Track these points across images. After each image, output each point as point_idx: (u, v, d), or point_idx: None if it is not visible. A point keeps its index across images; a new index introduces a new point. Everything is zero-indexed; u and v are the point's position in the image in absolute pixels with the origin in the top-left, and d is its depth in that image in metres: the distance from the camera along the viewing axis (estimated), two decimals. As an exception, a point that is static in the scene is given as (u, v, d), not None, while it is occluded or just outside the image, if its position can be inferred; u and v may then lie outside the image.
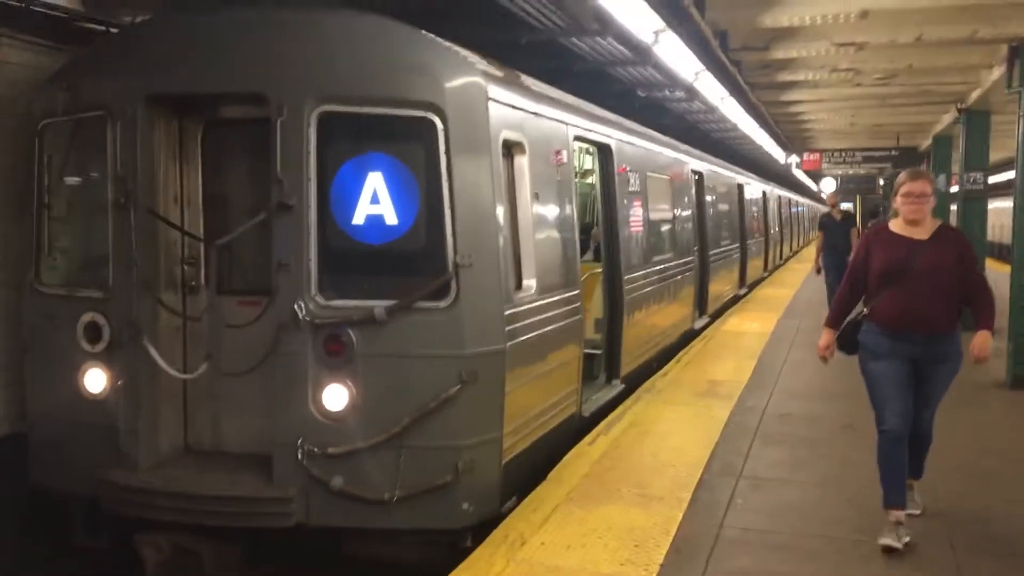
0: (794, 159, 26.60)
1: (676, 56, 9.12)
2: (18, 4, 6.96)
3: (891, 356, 5.47)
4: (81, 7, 7.68)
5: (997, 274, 14.29)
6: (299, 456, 5.58)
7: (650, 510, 5.82)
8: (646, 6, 6.85)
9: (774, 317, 15.85)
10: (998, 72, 12.05)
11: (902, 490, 5.48)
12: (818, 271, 15.60)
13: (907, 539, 5.35)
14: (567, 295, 7.24)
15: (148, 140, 5.99)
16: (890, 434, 5.42)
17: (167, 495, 5.72)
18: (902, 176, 5.69)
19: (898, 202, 5.60)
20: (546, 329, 6.68)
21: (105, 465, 5.89)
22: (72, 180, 6.44)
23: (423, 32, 6.08)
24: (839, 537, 5.59)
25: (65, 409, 6.13)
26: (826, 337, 5.82)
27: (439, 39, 6.15)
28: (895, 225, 5.69)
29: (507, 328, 5.88)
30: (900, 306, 5.43)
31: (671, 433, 7.77)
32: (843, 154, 25.74)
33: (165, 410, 6.16)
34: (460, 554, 5.37)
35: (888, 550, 5.26)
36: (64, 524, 6.34)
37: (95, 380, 6.02)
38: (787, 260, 32.09)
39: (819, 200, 66.48)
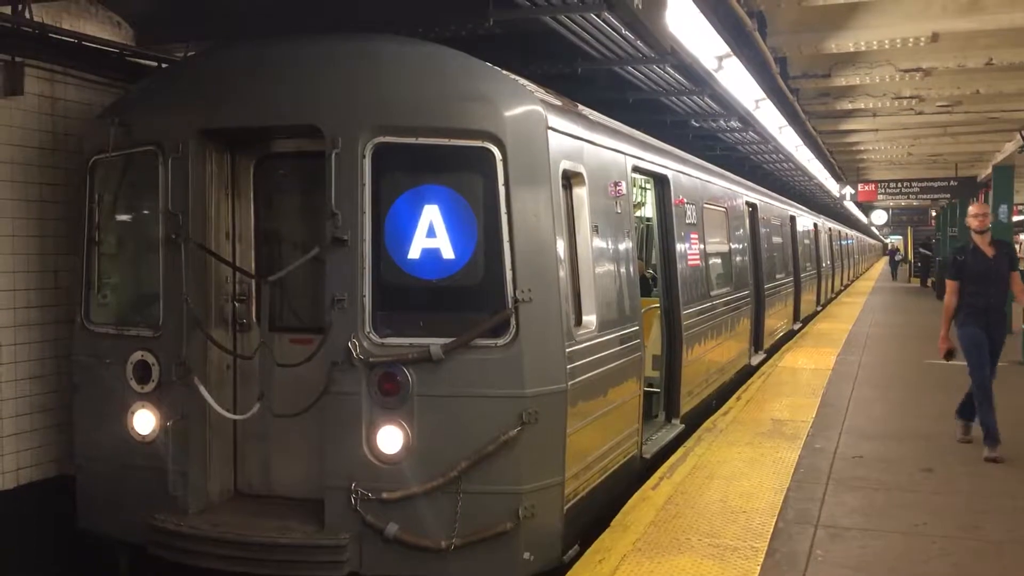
0: (848, 190, 26.02)
1: (737, 84, 8.82)
2: (71, 41, 6.94)
3: None
4: (133, 43, 7.66)
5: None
6: (352, 501, 5.34)
7: (725, 562, 5.44)
8: (712, 30, 6.58)
9: (832, 353, 15.33)
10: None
11: None
12: (946, 355, 8.48)
13: None
14: (627, 331, 6.97)
15: (200, 175, 5.86)
16: None
17: (216, 542, 5.50)
18: None
19: None
20: (607, 367, 6.42)
21: (153, 509, 5.70)
22: (122, 216, 6.33)
23: (480, 60, 5.89)
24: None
25: (113, 451, 5.96)
26: None
27: (496, 67, 5.96)
28: None
29: (568, 366, 5.61)
30: None
31: (738, 476, 7.38)
32: (899, 185, 25.02)
33: (215, 452, 5.96)
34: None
35: None
36: (111, 569, 6.15)
37: (144, 421, 5.86)
38: (839, 294, 31.45)
39: (867, 232, 64.89)
